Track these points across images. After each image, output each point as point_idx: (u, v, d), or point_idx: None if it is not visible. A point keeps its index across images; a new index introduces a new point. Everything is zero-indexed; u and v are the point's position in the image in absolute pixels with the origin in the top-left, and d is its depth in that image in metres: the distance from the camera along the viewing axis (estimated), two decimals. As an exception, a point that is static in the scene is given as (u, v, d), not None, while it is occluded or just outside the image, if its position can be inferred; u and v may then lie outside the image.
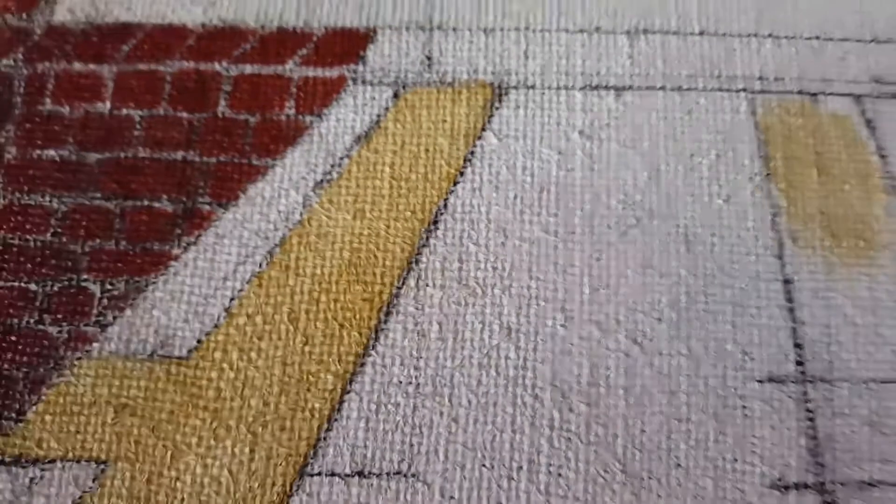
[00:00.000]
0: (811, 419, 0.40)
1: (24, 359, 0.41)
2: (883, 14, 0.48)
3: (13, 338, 0.41)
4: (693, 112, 0.46)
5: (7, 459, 0.39)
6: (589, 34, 0.48)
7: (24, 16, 0.48)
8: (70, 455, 0.39)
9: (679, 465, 0.39)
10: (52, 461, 0.39)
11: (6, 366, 0.41)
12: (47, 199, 0.44)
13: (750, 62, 0.47)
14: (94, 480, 0.39)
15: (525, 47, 0.48)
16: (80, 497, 0.39)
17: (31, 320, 0.42)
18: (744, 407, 0.40)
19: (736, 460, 0.39)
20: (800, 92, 0.46)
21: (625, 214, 0.44)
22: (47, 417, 0.40)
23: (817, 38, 0.47)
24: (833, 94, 0.46)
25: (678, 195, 0.44)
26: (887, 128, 0.46)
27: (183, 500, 0.39)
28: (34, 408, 0.40)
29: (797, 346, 0.41)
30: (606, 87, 0.46)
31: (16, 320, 0.42)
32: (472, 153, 0.45)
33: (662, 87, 0.46)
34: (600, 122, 0.46)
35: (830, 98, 0.46)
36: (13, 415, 0.40)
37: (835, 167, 0.45)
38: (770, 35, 0.47)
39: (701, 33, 0.48)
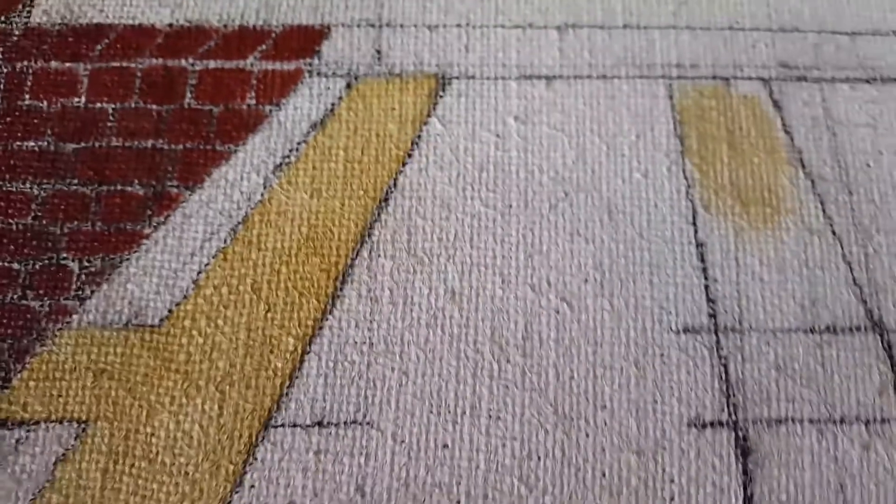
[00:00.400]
0: (724, 365, 0.45)
1: (9, 331, 0.45)
2: (788, 6, 0.54)
3: (-2, 312, 0.45)
4: (616, 98, 0.51)
5: (-5, 422, 0.43)
6: (523, 29, 0.53)
7: (3, 18, 0.51)
8: (53, 417, 0.43)
9: (605, 406, 0.43)
10: (37, 423, 0.43)
11: (-8, 338, 0.45)
12: (28, 185, 0.48)
13: (668, 51, 0.52)
14: (75, 439, 0.43)
15: (466, 42, 0.52)
16: (63, 454, 0.42)
17: (15, 296, 0.45)
18: (662, 355, 0.45)
19: (656, 402, 0.44)
20: (713, 77, 0.52)
21: (555, 189, 0.48)
22: (31, 384, 0.44)
23: (730, 28, 0.53)
24: (744, 78, 0.52)
25: (602, 171, 0.49)
26: (792, 107, 0.51)
27: (158, 453, 0.42)
28: (19, 375, 0.44)
29: (710, 301, 0.46)
30: (538, 77, 0.51)
31: (0, 297, 0.45)
32: (419, 137, 0.50)
33: (589, 76, 0.51)
34: (533, 108, 0.50)
35: (741, 82, 0.51)
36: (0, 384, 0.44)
37: (745, 143, 0.50)
38: (687, 27, 0.53)
39: (624, 27, 0.53)
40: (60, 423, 0.43)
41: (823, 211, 0.48)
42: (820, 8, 0.53)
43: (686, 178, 0.49)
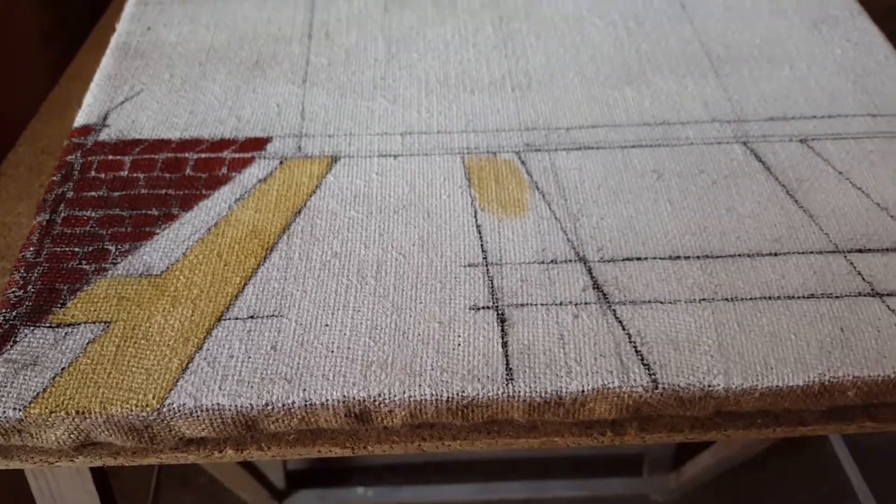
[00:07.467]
0: (491, 280, 0.77)
1: (69, 280, 0.76)
2: (530, 118, 0.97)
3: (63, 271, 0.76)
4: (432, 163, 0.90)
5: (53, 325, 0.72)
6: (381, 136, 0.94)
7: (82, 138, 0.91)
8: (89, 320, 0.72)
9: (421, 301, 0.75)
10: (78, 324, 0.72)
11: (58, 284, 0.75)
12: (89, 212, 0.82)
13: (460, 142, 0.93)
14: (101, 331, 0.71)
15: (349, 142, 0.93)
16: (92, 339, 0.71)
17: (75, 264, 0.77)
18: (455, 277, 0.77)
19: (451, 299, 0.75)
20: (487, 152, 0.92)
21: (397, 205, 0.85)
22: (78, 305, 0.74)
23: (497, 130, 0.95)
24: (503, 152, 0.92)
25: (424, 195, 0.86)
26: (532, 164, 0.91)
27: (153, 335, 0.71)
28: (70, 301, 0.74)
29: (483, 251, 0.80)
30: (390, 156, 0.91)
31: (65, 264, 0.77)
32: (320, 184, 0.87)
33: (417, 155, 0.91)
34: (386, 169, 0.89)
35: (503, 153, 0.92)
36: (58, 306, 0.74)
37: (482, 183, 0.88)
38: (473, 131, 0.95)
39: (438, 132, 0.94)
40: (93, 323, 0.72)
41: (549, 208, 0.85)
42: (549, 116, 0.96)
43: (471, 196, 0.86)
